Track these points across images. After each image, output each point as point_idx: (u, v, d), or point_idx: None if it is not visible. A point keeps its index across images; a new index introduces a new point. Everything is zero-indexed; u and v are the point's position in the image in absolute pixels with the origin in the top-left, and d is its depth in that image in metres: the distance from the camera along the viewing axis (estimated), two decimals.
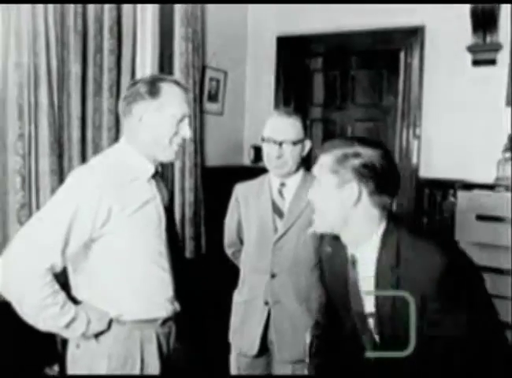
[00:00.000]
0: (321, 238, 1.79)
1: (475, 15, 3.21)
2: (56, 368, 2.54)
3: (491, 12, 3.19)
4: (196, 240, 3.53)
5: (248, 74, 4.21)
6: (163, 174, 3.31)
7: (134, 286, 1.73)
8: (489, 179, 3.11)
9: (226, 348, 2.37)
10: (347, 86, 4.14)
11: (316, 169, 1.54)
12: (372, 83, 4.04)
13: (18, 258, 1.58)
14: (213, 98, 3.82)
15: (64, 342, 1.88)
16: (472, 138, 3.34)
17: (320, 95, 4.26)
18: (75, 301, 1.69)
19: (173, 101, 1.75)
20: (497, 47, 3.23)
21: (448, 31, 3.40)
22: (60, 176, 2.55)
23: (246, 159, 4.17)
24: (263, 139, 2.23)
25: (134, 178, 1.74)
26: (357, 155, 1.43)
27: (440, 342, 1.37)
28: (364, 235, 1.48)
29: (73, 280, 1.75)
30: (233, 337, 2.33)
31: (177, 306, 1.86)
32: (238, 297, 2.33)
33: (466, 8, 3.23)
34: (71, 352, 1.77)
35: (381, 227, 1.48)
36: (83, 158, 2.71)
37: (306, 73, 4.25)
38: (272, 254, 2.20)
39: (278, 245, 2.20)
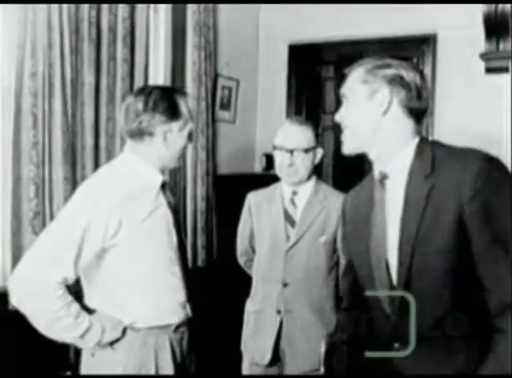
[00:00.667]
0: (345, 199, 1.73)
1: (488, 22, 3.19)
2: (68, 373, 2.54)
3: (505, 20, 3.17)
4: (208, 248, 3.52)
5: (260, 82, 4.21)
6: (175, 182, 3.33)
7: (146, 293, 1.74)
8: None
9: (238, 357, 2.36)
10: None
11: (345, 87, 1.50)
12: None
13: (30, 272, 1.60)
14: (225, 106, 3.83)
15: (78, 350, 1.89)
16: (485, 146, 3.31)
17: (332, 103, 4.25)
18: (88, 309, 1.70)
19: (190, 118, 1.82)
20: (510, 55, 3.21)
21: (460, 39, 3.39)
22: (73, 184, 2.56)
23: (258, 167, 4.17)
24: (274, 148, 2.24)
25: (144, 188, 1.75)
26: (388, 65, 1.42)
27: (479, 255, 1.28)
28: (396, 146, 1.42)
29: (86, 290, 1.77)
30: (245, 346, 2.32)
31: (189, 311, 1.87)
32: (250, 306, 2.33)
33: (479, 15, 3.21)
34: (85, 360, 1.78)
35: (415, 140, 1.43)
36: (96, 166, 2.72)
37: (318, 81, 4.25)
38: (284, 263, 2.20)
39: (290, 253, 2.20)
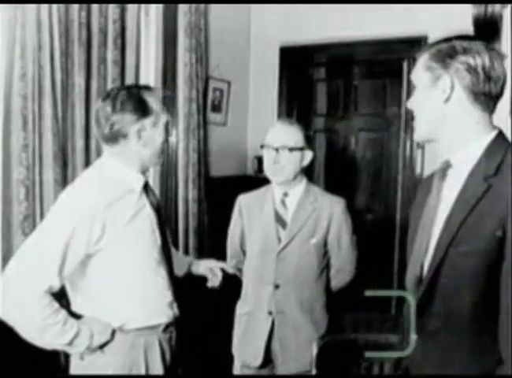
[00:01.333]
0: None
1: (478, 24, 3.22)
2: None
3: (494, 22, 3.19)
4: (200, 251, 3.52)
5: (251, 84, 4.22)
6: (167, 185, 3.32)
7: (133, 295, 1.74)
8: None
9: (229, 359, 2.35)
10: (350, 96, 4.16)
11: (413, 73, 1.44)
12: (376, 92, 4.05)
13: (15, 283, 1.58)
14: (216, 108, 3.83)
15: (67, 353, 1.87)
16: None
17: (324, 105, 4.27)
18: (75, 316, 1.69)
19: (162, 111, 1.79)
20: None
21: None
22: (64, 186, 2.54)
23: (250, 169, 4.17)
24: (262, 146, 2.25)
25: (125, 191, 1.73)
26: (452, 48, 1.34)
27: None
28: (465, 136, 1.35)
29: (72, 296, 1.76)
30: (236, 348, 2.31)
31: (176, 311, 1.87)
32: (241, 308, 2.32)
33: (469, 17, 3.23)
34: (74, 364, 1.76)
35: (490, 135, 1.35)
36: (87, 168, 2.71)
37: (309, 83, 4.26)
38: (275, 265, 2.20)
39: (281, 255, 2.20)
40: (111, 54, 2.87)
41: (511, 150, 1.32)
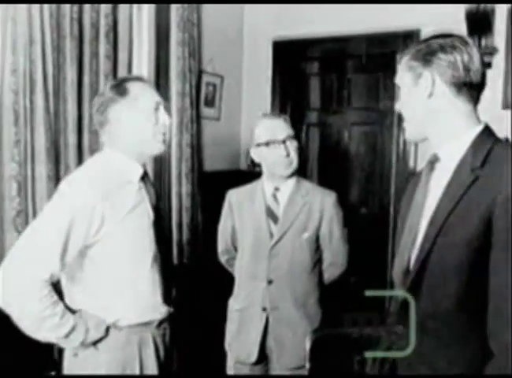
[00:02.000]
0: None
1: (470, 19, 3.22)
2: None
3: (487, 16, 3.19)
4: (193, 245, 3.52)
5: (244, 78, 4.21)
6: (161, 178, 3.31)
7: (129, 290, 1.74)
8: None
9: (222, 356, 2.36)
10: (344, 90, 4.14)
11: (397, 76, 1.48)
12: (369, 86, 4.04)
13: (16, 271, 1.58)
14: (209, 103, 3.82)
15: (61, 349, 1.87)
16: None
17: (317, 99, 4.25)
18: (69, 310, 1.68)
19: (143, 94, 1.77)
20: (492, 51, 3.23)
21: None
22: (56, 181, 2.53)
23: (244, 164, 4.16)
24: (259, 145, 2.22)
25: (124, 182, 1.74)
26: (428, 46, 1.38)
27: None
28: (452, 130, 1.38)
29: (67, 289, 1.75)
30: (230, 345, 2.31)
31: (170, 307, 1.86)
32: (234, 304, 2.32)
33: (461, 12, 3.24)
34: (68, 361, 1.76)
35: (477, 128, 1.37)
36: (80, 164, 2.68)
37: (303, 77, 4.25)
38: (268, 260, 2.20)
39: (274, 251, 2.20)
40: (103, 49, 2.85)
41: (499, 142, 1.35)
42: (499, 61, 3.23)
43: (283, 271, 2.19)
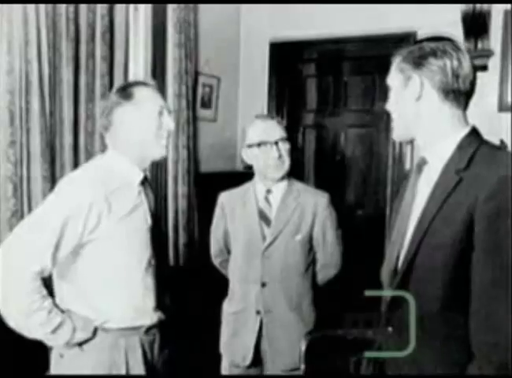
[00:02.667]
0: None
1: (466, 21, 3.23)
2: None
3: (483, 19, 3.20)
4: (189, 247, 3.51)
5: (241, 80, 4.21)
6: (157, 179, 3.30)
7: (119, 293, 1.73)
8: None
9: (217, 359, 2.35)
10: (340, 91, 4.15)
11: (388, 76, 1.49)
12: (365, 88, 4.05)
13: (8, 261, 1.58)
14: (206, 104, 3.82)
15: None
16: None
17: (313, 101, 4.26)
18: (59, 309, 1.67)
19: (147, 98, 1.79)
20: (488, 53, 3.24)
21: None
22: (52, 182, 2.53)
23: (240, 165, 4.16)
24: (250, 146, 2.22)
25: (124, 184, 1.75)
26: (420, 49, 1.40)
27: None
28: (439, 133, 1.40)
29: (58, 288, 1.75)
30: (225, 348, 2.30)
31: (161, 314, 1.85)
32: (228, 307, 2.31)
33: (458, 14, 3.24)
34: (54, 361, 1.76)
35: (464, 131, 1.39)
36: (76, 165, 2.69)
37: (299, 79, 4.25)
38: (261, 263, 2.19)
39: (267, 253, 2.19)
40: (99, 49, 2.85)
41: (484, 144, 1.38)
42: (495, 63, 3.24)
43: (276, 273, 2.18)
